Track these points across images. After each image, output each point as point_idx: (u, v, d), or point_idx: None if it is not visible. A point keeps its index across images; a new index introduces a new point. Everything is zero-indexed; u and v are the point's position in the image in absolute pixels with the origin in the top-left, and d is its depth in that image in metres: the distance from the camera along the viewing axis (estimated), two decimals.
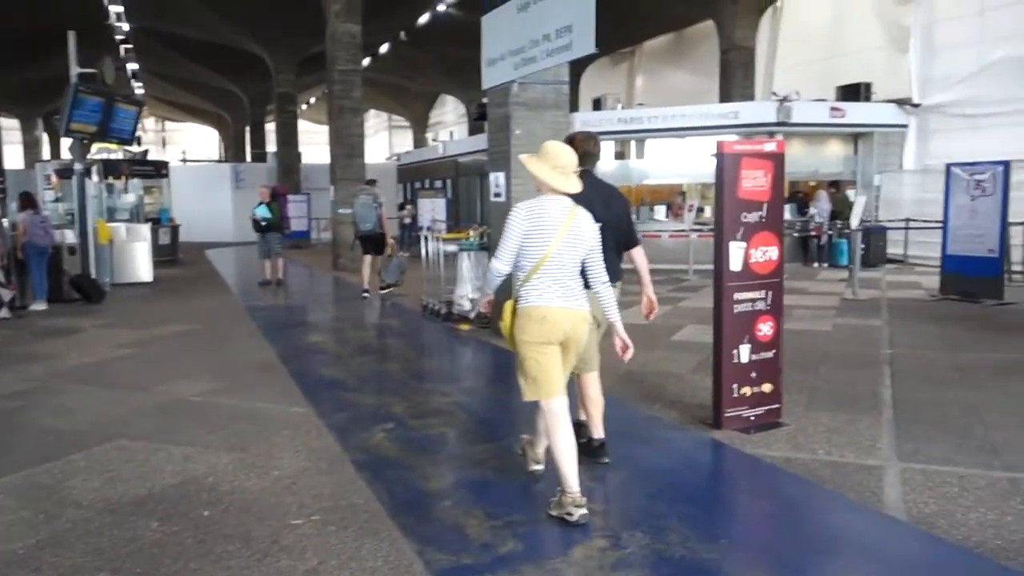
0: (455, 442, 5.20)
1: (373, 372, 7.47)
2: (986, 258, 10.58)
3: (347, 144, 17.84)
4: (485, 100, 9.09)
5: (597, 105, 18.77)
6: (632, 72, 33.39)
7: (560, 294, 3.91)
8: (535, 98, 8.56)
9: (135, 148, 31.45)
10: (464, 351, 8.70)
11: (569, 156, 4.06)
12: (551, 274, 3.91)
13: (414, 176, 28.82)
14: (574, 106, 26.85)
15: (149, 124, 56.14)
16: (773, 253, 5.35)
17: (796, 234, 15.64)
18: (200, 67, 33.35)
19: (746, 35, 21.24)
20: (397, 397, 6.37)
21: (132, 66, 33.68)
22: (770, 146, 5.29)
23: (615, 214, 4.77)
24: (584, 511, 3.80)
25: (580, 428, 4.62)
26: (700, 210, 15.73)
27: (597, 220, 4.18)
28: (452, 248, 10.03)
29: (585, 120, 17.12)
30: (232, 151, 46.27)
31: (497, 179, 8.89)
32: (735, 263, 5.22)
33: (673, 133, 16.82)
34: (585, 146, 4.68)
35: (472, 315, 9.74)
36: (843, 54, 22.40)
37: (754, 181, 5.21)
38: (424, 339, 9.43)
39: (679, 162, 17.83)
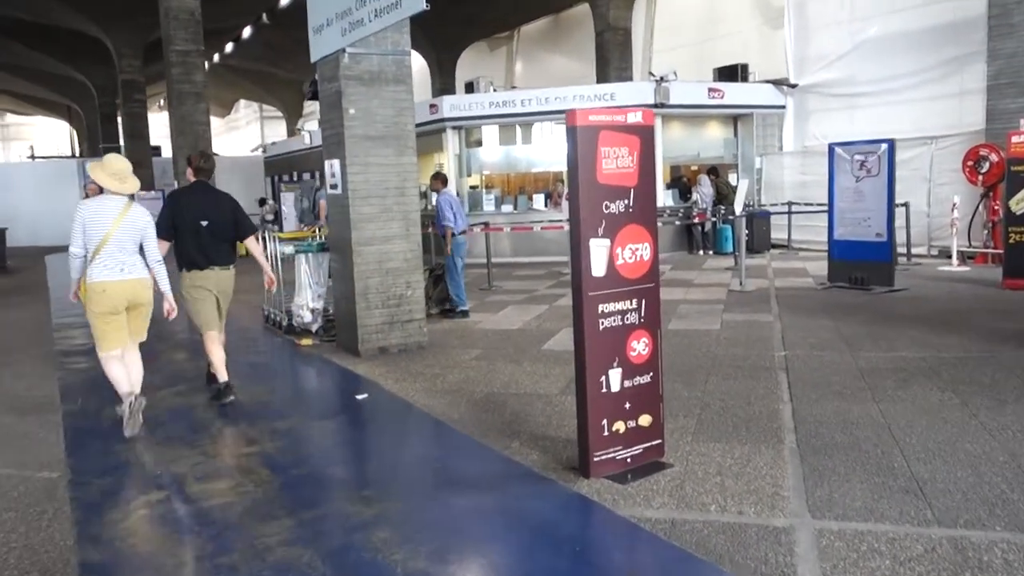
0: (238, 521, 3.85)
1: (175, 410, 6.00)
2: (874, 242, 9.96)
3: (191, 134, 15.95)
4: (316, 77, 7.72)
5: (469, 88, 17.54)
6: (511, 57, 32.31)
7: (119, 270, 5.12)
8: (371, 71, 7.23)
9: None
10: (297, 375, 7.32)
11: (122, 164, 5.35)
12: (110, 255, 5.09)
13: (283, 168, 26.89)
14: (448, 90, 25.65)
15: None
16: (645, 252, 4.24)
17: (679, 222, 14.85)
18: (37, 53, 30.15)
19: (621, 16, 20.45)
20: (190, 447, 4.98)
21: None
22: (635, 116, 4.16)
23: (223, 212, 6.04)
24: (135, 400, 5.23)
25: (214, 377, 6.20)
26: None
27: (209, 219, 5.89)
28: (289, 250, 8.59)
29: (454, 104, 15.88)
30: (87, 146, 42.60)
31: (332, 167, 7.52)
32: (597, 266, 4.08)
33: (548, 116, 15.75)
34: (198, 162, 6.13)
35: (314, 327, 8.35)
36: (719, 36, 21.96)
37: (617, 161, 4.09)
38: (255, 359, 7.97)
39: (560, 148, 16.79)
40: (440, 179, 9.63)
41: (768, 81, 16.37)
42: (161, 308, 5.52)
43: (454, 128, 16.00)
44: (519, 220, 14.88)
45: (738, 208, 10.66)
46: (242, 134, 51.50)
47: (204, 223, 5.88)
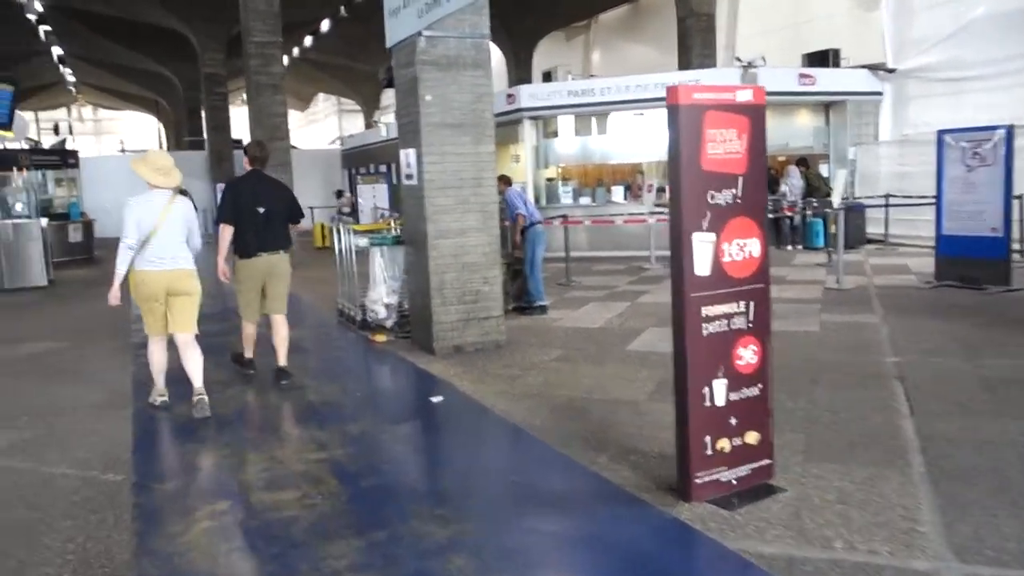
0: (303, 538, 3.54)
1: (245, 409, 5.78)
2: (989, 238, 9.13)
3: (268, 126, 16.00)
4: (392, 63, 7.43)
5: (547, 78, 17.12)
6: (588, 47, 31.75)
7: (160, 261, 5.38)
8: (448, 55, 6.88)
9: (58, 136, 29.35)
10: (370, 373, 7.05)
11: (165, 159, 5.54)
12: (158, 246, 5.36)
13: (359, 161, 26.99)
14: (525, 81, 25.26)
15: (87, 113, 53.43)
16: (755, 247, 3.76)
17: (768, 215, 14.10)
18: (126, 49, 31.05)
19: (704, 1, 19.66)
20: (257, 451, 4.72)
21: (56, 50, 31.45)
22: (745, 94, 3.68)
23: (279, 199, 6.34)
24: (204, 398, 5.44)
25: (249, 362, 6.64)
26: (660, 190, 14.16)
27: (265, 206, 6.13)
28: (363, 243, 8.34)
29: (533, 93, 15.47)
30: (173, 139, 43.82)
31: (407, 157, 7.21)
32: (701, 264, 3.62)
33: (629, 105, 15.20)
34: (254, 151, 6.40)
35: (388, 323, 8.08)
36: (807, 20, 21.04)
37: (724, 146, 3.62)
38: (328, 355, 7.74)
39: (639, 139, 16.24)
40: (503, 180, 9.24)
41: (864, 66, 15.43)
42: (219, 273, 6.34)
43: (531, 118, 15.59)
44: (598, 213, 14.38)
45: (836, 201, 9.96)
46: (320, 127, 52.23)
47: (261, 210, 6.14)
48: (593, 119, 16.62)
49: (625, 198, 15.30)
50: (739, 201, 3.67)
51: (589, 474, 4.13)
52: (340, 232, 9.15)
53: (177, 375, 5.73)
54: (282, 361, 6.37)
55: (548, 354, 6.97)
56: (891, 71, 15.16)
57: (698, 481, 3.68)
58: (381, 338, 7.86)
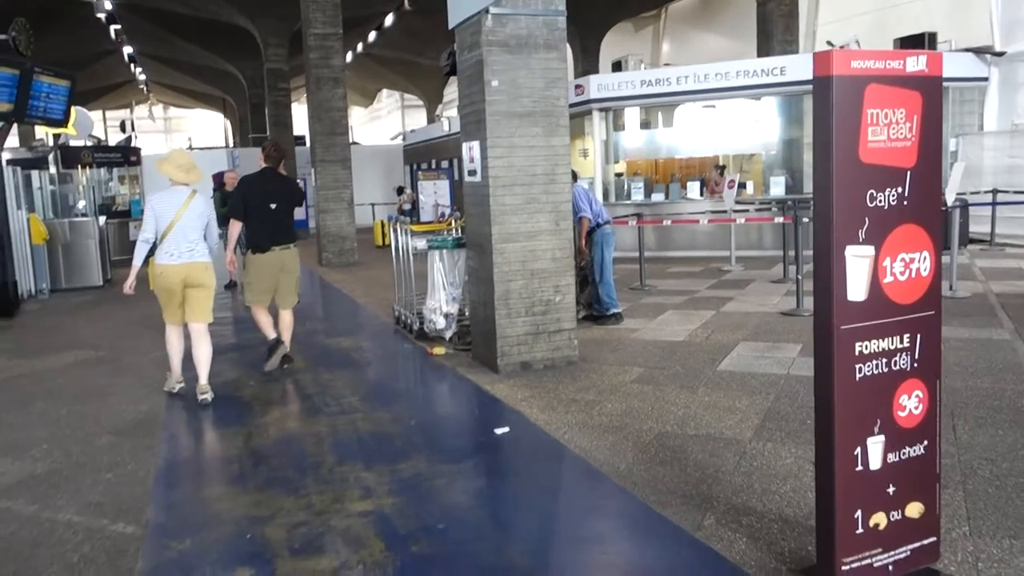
0: None
1: (284, 437, 5.09)
2: None
3: (327, 120, 15.44)
4: (455, 47, 6.68)
5: (617, 68, 16.17)
6: (657, 37, 30.66)
7: (178, 255, 5.76)
8: (518, 35, 6.08)
9: (124, 134, 29.57)
10: (426, 395, 6.30)
11: (186, 157, 5.95)
12: (175, 240, 5.76)
13: (421, 157, 26.49)
14: (592, 71, 24.29)
15: (156, 112, 54.32)
16: (924, 264, 2.87)
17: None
18: (193, 46, 31.15)
19: None
20: (293, 495, 4.01)
21: (127, 49, 31.77)
22: (918, 62, 2.79)
23: (290, 195, 6.82)
24: (208, 396, 5.87)
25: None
26: (742, 186, 13.15)
27: (277, 202, 6.59)
28: (421, 245, 7.62)
29: (602, 84, 14.57)
30: (238, 136, 44.14)
31: (471, 151, 6.44)
32: (855, 287, 2.75)
33: (706, 95, 14.18)
34: (269, 151, 6.76)
35: (448, 334, 7.34)
36: (895, 4, 19.62)
37: (889, 130, 2.74)
38: (381, 371, 7.03)
39: (712, 131, 15.21)
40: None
41: (968, 49, 14.08)
42: (226, 263, 6.76)
43: (601, 110, 14.70)
44: (672, 210, 13.42)
45: (949, 198, 8.84)
46: (384, 123, 52.13)
47: (273, 206, 6.54)
48: (666, 111, 15.66)
49: (701, 194, 14.29)
50: (906, 203, 2.78)
51: (696, 545, 3.28)
52: (397, 232, 8.46)
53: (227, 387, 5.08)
54: (273, 334, 6.80)
55: (627, 374, 6.13)
56: (999, 54, 13.80)
57: (846, 567, 2.81)
58: (439, 351, 7.12)
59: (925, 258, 2.86)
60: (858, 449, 2.81)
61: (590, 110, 14.52)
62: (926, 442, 2.95)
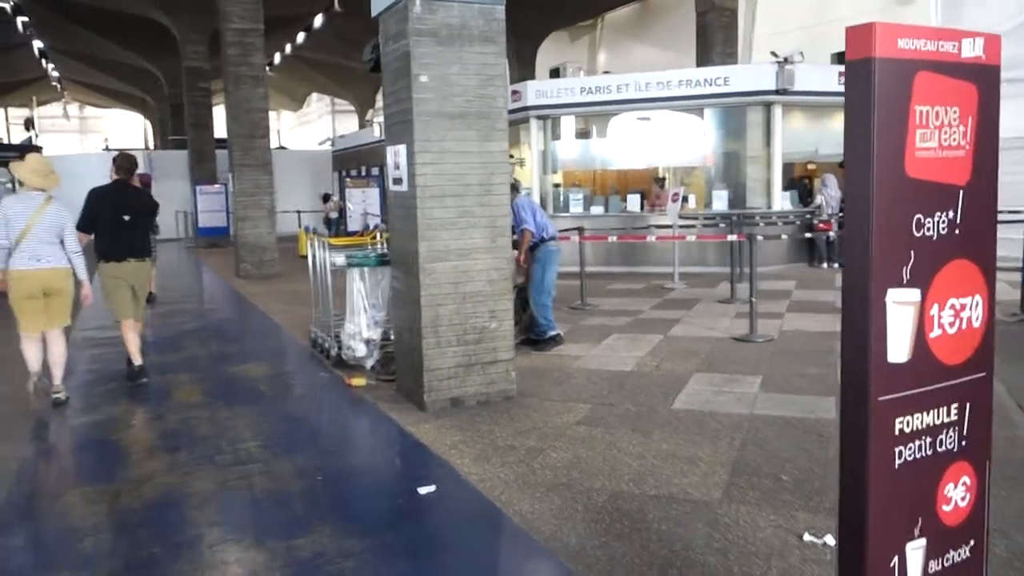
0: None
1: (160, 499, 4.18)
2: None
3: (247, 122, 14.39)
4: (379, 39, 5.87)
5: (555, 74, 15.57)
6: (594, 46, 30.29)
7: (36, 260, 5.67)
8: (451, 24, 5.31)
9: (28, 132, 27.76)
10: (338, 438, 5.44)
11: (42, 163, 5.99)
12: (30, 246, 5.65)
13: (351, 163, 25.49)
14: (527, 78, 23.70)
15: (72, 110, 51.68)
16: (975, 311, 2.20)
17: (807, 234, 12.52)
18: (109, 42, 29.44)
19: None
20: None
21: (37, 44, 29.85)
22: (973, 45, 2.12)
23: (142, 208, 6.76)
24: (61, 395, 5.86)
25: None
26: (684, 199, 12.64)
27: (130, 214, 6.48)
28: (340, 261, 6.76)
29: (540, 90, 13.92)
30: (159, 138, 42.18)
31: (396, 156, 5.63)
32: (897, 345, 2.05)
33: (647, 104, 13.66)
34: (120, 163, 6.67)
35: (369, 363, 6.50)
36: (834, 19, 19.51)
37: (941, 134, 2.06)
38: (291, 405, 6.12)
39: (651, 142, 14.71)
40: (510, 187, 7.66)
41: None
42: (81, 297, 6.07)
43: (539, 118, 14.05)
44: (612, 224, 12.82)
45: None
46: (313, 128, 50.64)
47: (126, 218, 6.44)
48: (605, 120, 15.12)
49: (642, 207, 13.74)
50: (957, 232, 2.11)
51: None
52: (315, 245, 7.57)
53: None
54: (138, 360, 6.59)
55: (572, 412, 5.39)
56: None
57: None
58: (359, 382, 6.27)
59: (977, 304, 2.19)
60: (895, 559, 2.11)
61: (527, 117, 13.86)
62: (972, 542, 2.27)
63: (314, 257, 7.55)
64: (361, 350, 6.40)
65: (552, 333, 7.44)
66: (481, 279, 5.58)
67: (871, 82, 1.94)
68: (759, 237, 7.67)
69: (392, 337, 6.46)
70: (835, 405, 5.32)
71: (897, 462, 2.08)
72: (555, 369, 6.66)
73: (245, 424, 5.39)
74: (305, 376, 6.91)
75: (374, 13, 5.74)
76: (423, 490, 4.07)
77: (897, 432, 2.07)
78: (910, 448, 2.10)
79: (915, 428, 2.10)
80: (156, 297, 11.67)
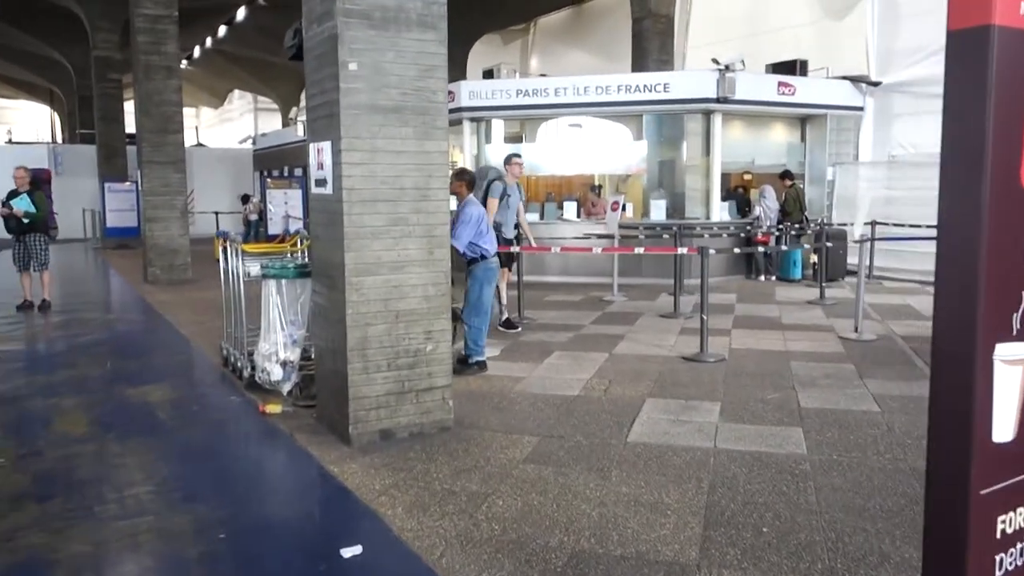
0: None
1: (17, 569, 3.41)
2: None
3: (158, 115, 13.36)
4: (303, 21, 5.18)
5: (489, 76, 14.99)
6: (526, 51, 29.88)
7: None
8: (385, 5, 4.67)
9: None
10: (252, 477, 4.72)
11: None
12: None
13: (273, 163, 24.34)
14: (458, 77, 23.07)
15: None
16: None
17: (739, 249, 12.23)
18: (12, 29, 27.51)
19: (664, 1, 17.93)
20: None
21: None
22: None
23: None
24: None
25: None
26: (623, 208, 12.20)
27: None
28: (254, 270, 6.02)
29: (474, 90, 13.32)
30: (67, 131, 39.93)
31: (320, 154, 4.94)
32: (1004, 419, 1.52)
33: (585, 109, 13.23)
34: None
35: (286, 387, 5.77)
36: (768, 30, 19.53)
37: None
38: (193, 438, 5.30)
39: (587, 148, 14.28)
40: (465, 179, 6.99)
41: (845, 77, 13.83)
42: None
43: (472, 120, 13.45)
44: (548, 232, 12.31)
45: (857, 230, 8.13)
46: (235, 126, 48.86)
47: None
48: (539, 124, 14.62)
49: (578, 215, 13.28)
50: None
51: None
52: (227, 252, 6.78)
53: None
54: None
55: (518, 446, 4.79)
56: (875, 84, 13.60)
57: None
58: (274, 409, 5.54)
59: None
60: None
61: (460, 119, 13.23)
62: None
63: (226, 265, 6.76)
64: (277, 373, 5.66)
65: (478, 359, 6.77)
66: (416, 295, 4.94)
67: (987, 59, 1.40)
68: (712, 251, 7.21)
69: (313, 356, 5.75)
70: (803, 437, 4.88)
71: (998, 573, 1.55)
72: (495, 393, 6.05)
73: (137, 463, 4.62)
74: (213, 401, 6.11)
75: None
76: (347, 552, 3.40)
77: (998, 535, 1.54)
78: (1011, 555, 1.57)
79: (1017, 527, 1.58)
80: (50, 304, 10.64)
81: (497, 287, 7.88)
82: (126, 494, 4.12)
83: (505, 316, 8.58)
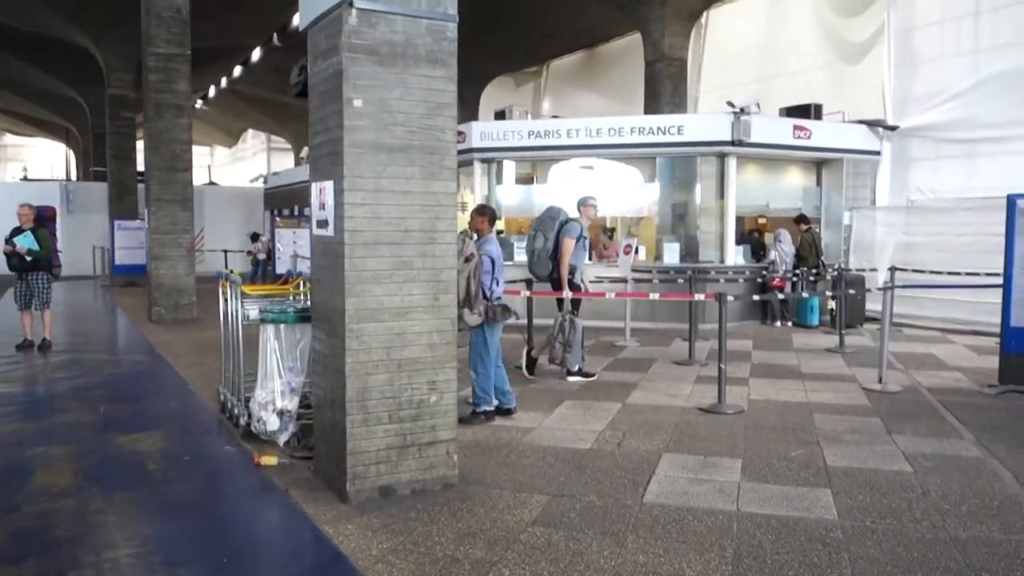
0: None
1: None
2: None
3: (167, 153, 13.28)
4: (308, 57, 5.01)
5: (501, 117, 14.89)
6: (539, 93, 29.94)
7: None
8: (393, 41, 4.48)
9: None
10: (242, 539, 4.41)
11: None
12: None
13: (284, 202, 24.29)
14: (471, 115, 23.09)
15: None
16: None
17: (757, 296, 11.92)
18: (28, 66, 27.83)
19: (677, 44, 17.91)
20: None
21: None
22: None
23: None
24: None
25: None
26: (635, 251, 11.96)
27: None
28: (253, 314, 5.77)
29: (485, 131, 13.23)
30: (82, 169, 40.25)
31: (322, 194, 4.72)
32: None
33: (598, 151, 13.07)
34: None
35: (283, 438, 5.49)
36: (780, 74, 19.44)
37: None
38: (183, 493, 4.96)
39: (599, 190, 14.03)
40: (487, 215, 6.79)
41: (861, 121, 13.65)
42: None
43: (483, 160, 13.31)
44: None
45: (880, 276, 7.84)
46: (248, 165, 49.23)
47: None
48: (551, 165, 14.46)
49: (590, 258, 13.01)
50: None
51: None
52: (227, 293, 6.53)
53: None
54: None
55: (526, 506, 4.48)
56: (892, 128, 13.41)
57: None
58: (270, 460, 5.24)
59: None
60: None
61: (471, 159, 13.10)
62: None
63: (226, 307, 6.52)
64: (273, 423, 5.38)
65: (486, 408, 6.47)
66: (420, 343, 4.67)
67: None
68: (730, 297, 6.93)
69: (312, 403, 5.47)
70: (832, 500, 4.55)
71: None
72: (503, 445, 5.75)
73: (119, 520, 4.33)
74: (206, 451, 5.81)
75: (302, 26, 4.88)
76: None
77: None
78: None
79: None
80: (51, 344, 10.42)
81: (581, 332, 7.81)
82: (104, 557, 3.83)
83: (578, 366, 8.19)
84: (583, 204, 8.47)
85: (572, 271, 8.08)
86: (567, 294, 8.03)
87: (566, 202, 14.06)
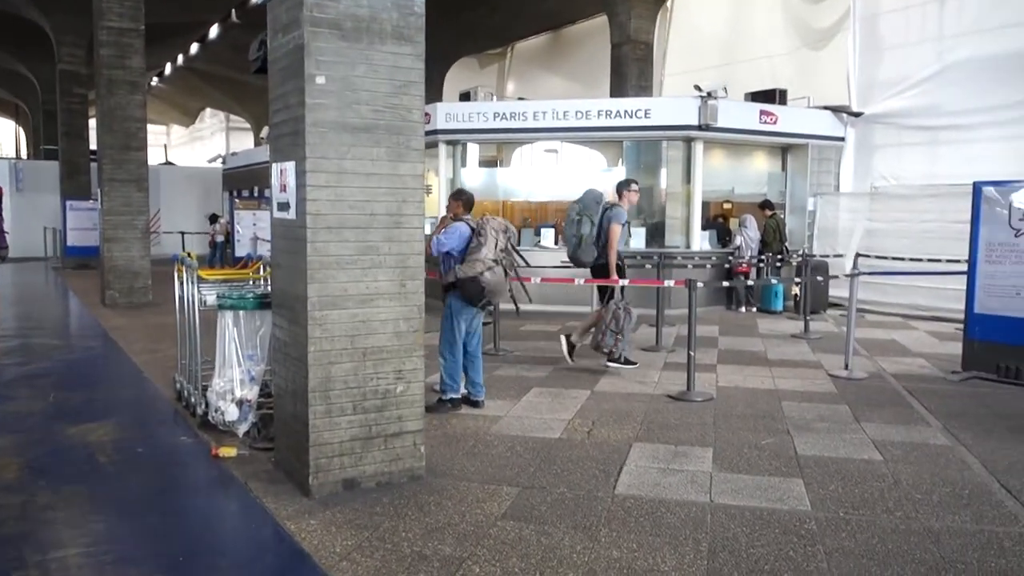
0: None
1: None
2: None
3: (121, 132, 12.84)
4: (268, 32, 4.78)
5: (465, 98, 14.66)
6: (503, 75, 29.68)
7: None
8: (357, 15, 4.27)
9: None
10: (197, 536, 4.22)
11: None
12: None
13: (243, 183, 23.80)
14: (435, 96, 22.75)
15: None
16: None
17: (726, 283, 11.92)
18: None
19: (643, 27, 17.82)
20: None
21: None
22: None
23: None
24: None
25: None
26: None
27: None
28: (211, 299, 5.55)
29: (451, 113, 12.99)
30: (32, 147, 39.03)
31: (282, 175, 4.52)
32: None
33: (564, 134, 12.94)
34: None
35: (242, 428, 5.29)
36: (745, 59, 19.42)
37: None
38: (135, 486, 4.76)
39: (564, 174, 13.97)
40: (463, 200, 6.65)
41: (826, 107, 13.69)
42: None
43: (448, 143, 13.09)
44: (535, 266, 11.89)
45: (848, 263, 7.84)
46: (206, 145, 48.14)
47: None
48: (517, 148, 14.31)
49: (556, 242, 12.91)
50: None
51: None
52: (183, 277, 6.28)
53: None
54: None
55: (495, 499, 4.36)
56: (856, 115, 13.47)
57: None
58: (228, 451, 5.05)
59: None
60: None
61: (436, 141, 12.87)
62: None
63: (182, 291, 6.27)
64: (232, 413, 5.18)
65: (452, 396, 6.32)
66: (386, 331, 4.50)
67: None
68: (699, 284, 6.86)
69: (273, 393, 5.27)
70: (804, 490, 4.50)
71: None
72: (470, 435, 5.62)
73: (68, 517, 4.11)
74: (161, 442, 5.58)
75: None
76: None
77: None
78: None
79: None
80: None
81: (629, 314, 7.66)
82: (51, 556, 3.62)
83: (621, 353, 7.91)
84: (626, 188, 8.17)
85: (619, 257, 7.92)
86: (623, 281, 7.86)
87: (533, 185, 14.01)
